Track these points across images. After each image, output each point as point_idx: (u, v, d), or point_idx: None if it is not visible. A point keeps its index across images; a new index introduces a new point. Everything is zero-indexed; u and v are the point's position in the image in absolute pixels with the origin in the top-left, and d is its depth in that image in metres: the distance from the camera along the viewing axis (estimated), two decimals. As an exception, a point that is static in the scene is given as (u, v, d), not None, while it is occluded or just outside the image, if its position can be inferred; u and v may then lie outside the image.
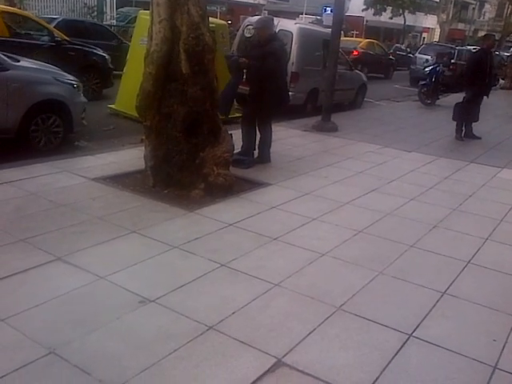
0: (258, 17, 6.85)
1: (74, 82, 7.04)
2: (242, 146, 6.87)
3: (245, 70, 6.52)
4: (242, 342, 3.05)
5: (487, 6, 63.54)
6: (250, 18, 12.38)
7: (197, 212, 4.97)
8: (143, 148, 5.61)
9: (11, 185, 5.21)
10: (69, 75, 7.09)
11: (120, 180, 5.60)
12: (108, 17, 23.29)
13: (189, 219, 4.82)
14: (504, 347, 3.25)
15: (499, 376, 2.98)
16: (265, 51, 6.34)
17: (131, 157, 6.31)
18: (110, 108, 9.53)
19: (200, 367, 2.81)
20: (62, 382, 2.60)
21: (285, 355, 2.97)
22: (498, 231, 5.23)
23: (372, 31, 43.14)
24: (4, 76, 6.08)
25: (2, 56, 6.22)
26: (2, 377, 2.57)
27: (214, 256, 4.07)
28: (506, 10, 46.77)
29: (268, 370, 2.84)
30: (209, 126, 5.46)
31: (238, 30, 12.48)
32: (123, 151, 6.88)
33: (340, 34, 10.14)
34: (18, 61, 6.60)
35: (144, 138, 5.59)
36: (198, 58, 5.23)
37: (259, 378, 2.76)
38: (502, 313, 3.66)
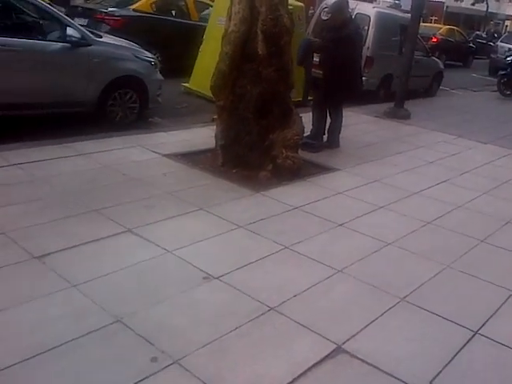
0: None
1: (151, 60, 7.20)
2: (312, 130, 6.82)
3: (316, 54, 6.44)
4: (302, 325, 3.07)
5: None
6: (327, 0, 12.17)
7: (263, 193, 5.00)
8: (214, 127, 5.68)
9: (87, 156, 5.43)
10: (147, 52, 7.25)
11: (191, 157, 5.71)
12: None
13: (255, 200, 4.86)
14: None
15: None
16: (339, 35, 6.23)
17: (202, 135, 6.41)
18: (185, 87, 9.69)
19: (260, 347, 2.85)
20: (126, 349, 2.70)
21: (345, 342, 2.96)
22: None
23: (452, 17, 41.45)
24: (86, 51, 6.30)
25: (86, 31, 6.45)
26: (71, 340, 2.69)
27: (278, 238, 4.10)
28: None
29: (327, 356, 2.84)
30: (280, 108, 5.46)
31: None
32: (195, 129, 7.00)
33: (419, 19, 9.79)
34: (101, 37, 6.82)
35: (216, 117, 5.66)
36: (274, 39, 5.21)
37: (318, 363, 2.77)
38: None
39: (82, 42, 6.24)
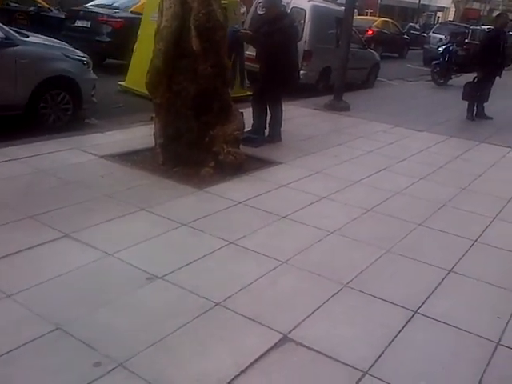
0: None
1: (83, 59, 7.01)
2: (253, 125, 6.85)
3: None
4: (248, 317, 3.08)
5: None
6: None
7: (206, 190, 4.98)
8: (153, 126, 5.61)
9: (20, 162, 5.25)
10: (78, 51, 7.06)
11: (129, 158, 5.61)
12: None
13: (198, 197, 4.83)
14: (508, 324, 3.26)
15: (502, 351, 3.00)
16: (273, 28, 6.28)
17: (141, 134, 6.31)
18: (121, 85, 9.52)
19: (206, 343, 2.84)
20: (68, 357, 2.62)
21: (291, 331, 2.99)
22: (506, 211, 5.22)
23: (386, 10, 42.48)
24: (13, 51, 6.07)
25: (11, 31, 6.21)
26: (9, 352, 2.60)
27: (222, 234, 4.09)
28: (523, -11, 45.71)
29: (274, 346, 2.86)
30: (219, 103, 5.44)
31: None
32: (133, 129, 6.89)
33: (353, 11, 10.03)
34: (27, 36, 6.58)
35: (154, 115, 5.59)
36: (208, 34, 5.18)
37: (265, 354, 2.79)
38: (507, 290, 3.67)
39: (7, 43, 6.01)
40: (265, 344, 2.86)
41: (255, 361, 2.73)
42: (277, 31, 6.22)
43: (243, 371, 2.64)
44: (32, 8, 13.82)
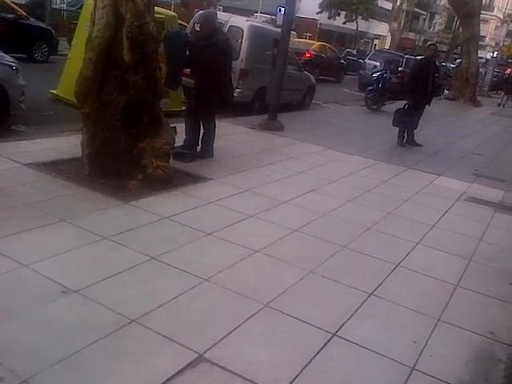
0: (202, 11, 6.88)
1: (12, 64, 6.76)
2: (185, 140, 6.80)
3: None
4: (164, 336, 3.01)
5: (438, 17, 65.68)
6: (200, 11, 12.27)
7: (132, 203, 4.87)
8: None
9: None
10: (7, 56, 6.80)
11: (55, 167, 5.41)
12: (58, 0, 22.58)
13: (123, 210, 4.72)
14: (423, 349, 3.34)
15: (416, 376, 3.07)
16: (207, 43, 6.30)
17: (69, 144, 6.10)
18: (52, 93, 9.23)
19: (118, 360, 2.75)
20: (-32, 373, 2.48)
21: (206, 350, 2.95)
22: (429, 236, 5.39)
23: (325, 34, 43.72)
24: None
25: None
26: None
27: (144, 249, 4.00)
28: (454, 23, 48.32)
29: (188, 365, 2.81)
30: (149, 116, 5.37)
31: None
32: (61, 138, 6.67)
33: (289, 33, 10.17)
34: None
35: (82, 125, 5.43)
36: (141, 46, 5.12)
37: (178, 373, 2.74)
38: (425, 315, 3.77)
39: None
40: (179, 363, 2.81)
41: (167, 380, 2.67)
42: (211, 46, 6.23)
43: (154, 392, 2.57)
44: (11, 16, 13.54)
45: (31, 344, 2.75)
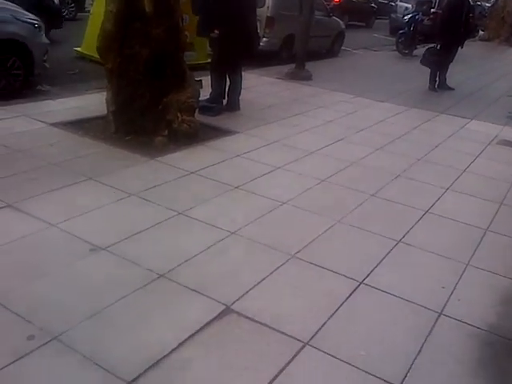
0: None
1: (35, 22, 6.71)
2: (211, 93, 6.72)
3: None
4: (191, 289, 3.04)
5: (473, -47, 62.14)
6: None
7: (158, 159, 4.88)
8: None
9: (-34, 129, 5.04)
10: (29, 14, 6.75)
11: (81, 125, 5.45)
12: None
13: (149, 167, 4.73)
14: (452, 294, 3.31)
15: (444, 321, 3.05)
16: None
17: (95, 102, 6.11)
18: (77, 51, 9.20)
19: (146, 314, 2.80)
20: (1, 332, 2.56)
21: (234, 302, 2.97)
22: (460, 181, 5.28)
23: (355, -23, 41.94)
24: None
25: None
26: None
27: (172, 204, 4.02)
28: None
29: (216, 317, 2.84)
30: (173, 69, 5.30)
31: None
32: (87, 96, 6.68)
33: (316, -22, 9.80)
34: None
35: (106, 82, 5.41)
36: (162, -4, 5.01)
37: (207, 325, 2.77)
38: (454, 260, 3.72)
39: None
40: (206, 316, 2.84)
41: (196, 332, 2.70)
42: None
43: (182, 343, 2.61)
44: None
45: (61, 302, 2.80)
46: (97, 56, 7.52)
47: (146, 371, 2.40)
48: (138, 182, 4.35)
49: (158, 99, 5.23)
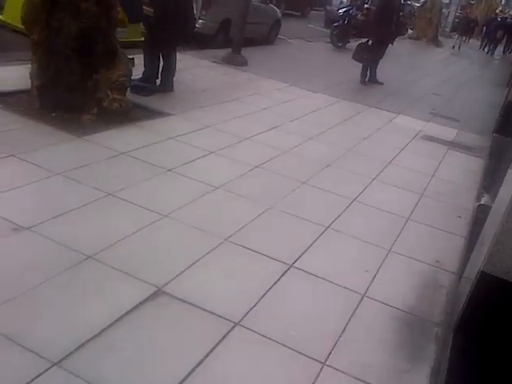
0: None
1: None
2: (144, 72, 6.56)
3: None
4: (122, 271, 2.98)
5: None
6: None
7: (86, 138, 4.70)
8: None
9: None
10: None
11: (2, 99, 5.10)
12: None
13: (77, 145, 4.55)
14: (374, 278, 3.45)
15: (367, 302, 3.18)
16: None
17: (17, 75, 5.74)
18: (-3, 19, 8.65)
19: (74, 296, 2.71)
20: None
21: (165, 284, 2.94)
22: (385, 173, 5.48)
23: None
24: None
25: None
26: None
27: (101, 185, 3.90)
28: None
29: (147, 299, 2.80)
30: (104, 46, 5.10)
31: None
32: (8, 68, 6.26)
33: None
34: None
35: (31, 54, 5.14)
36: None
37: (136, 307, 2.72)
38: (378, 247, 3.87)
39: None
40: (137, 297, 2.79)
41: (126, 313, 2.65)
42: None
43: (112, 324, 2.55)
44: None
45: (-19, 283, 2.67)
46: (20, 26, 7.16)
47: (72, 352, 2.33)
48: (64, 160, 4.17)
49: (88, 76, 5.03)
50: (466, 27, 25.68)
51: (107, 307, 2.68)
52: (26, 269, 2.84)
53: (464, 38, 25.92)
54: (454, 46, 23.75)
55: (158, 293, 2.87)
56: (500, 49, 26.96)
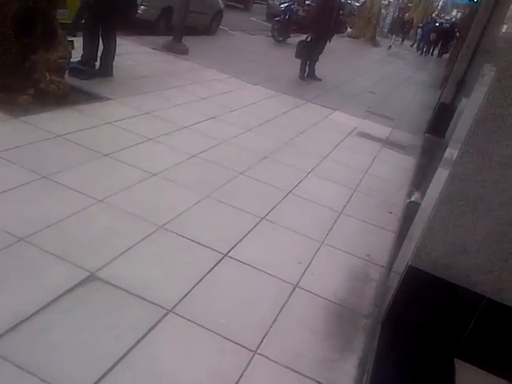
0: None
1: None
2: (83, 55, 6.43)
3: None
4: (54, 255, 2.96)
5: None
6: None
7: (22, 119, 4.59)
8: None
9: None
10: None
11: None
12: None
13: (11, 126, 4.43)
14: (307, 269, 3.58)
15: (299, 293, 3.30)
16: None
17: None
18: None
19: (3, 278, 2.68)
20: None
21: (98, 269, 2.95)
22: (320, 167, 5.65)
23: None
24: None
25: None
26: None
27: (35, 167, 3.83)
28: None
29: (79, 284, 2.80)
30: (44, 26, 4.97)
31: None
32: None
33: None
34: None
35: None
36: None
37: (68, 291, 2.72)
38: (311, 239, 4.01)
39: None
40: (69, 282, 2.79)
41: (57, 298, 2.65)
42: None
43: (43, 307, 2.55)
44: None
45: None
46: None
47: (2, 335, 2.31)
48: (-3, 140, 4.06)
49: (25, 56, 4.89)
50: (400, 28, 26.52)
51: (38, 291, 2.66)
52: (-46, 250, 2.77)
53: (397, 38, 26.77)
54: (390, 47, 24.48)
55: (90, 278, 2.88)
56: (436, 52, 28.09)
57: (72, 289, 2.75)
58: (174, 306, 2.84)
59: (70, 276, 2.84)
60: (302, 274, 3.50)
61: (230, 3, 20.22)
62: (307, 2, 18.31)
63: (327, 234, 4.15)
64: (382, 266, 3.89)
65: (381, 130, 8.03)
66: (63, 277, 2.82)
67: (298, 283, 3.39)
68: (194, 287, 3.05)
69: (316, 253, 3.83)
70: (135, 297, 2.83)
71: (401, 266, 3.06)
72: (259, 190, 4.64)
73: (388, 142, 7.45)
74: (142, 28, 9.83)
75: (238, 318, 2.92)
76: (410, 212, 4.67)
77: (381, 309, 3.16)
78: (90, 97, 5.72)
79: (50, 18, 5.06)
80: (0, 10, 4.73)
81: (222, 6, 14.05)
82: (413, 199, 5.12)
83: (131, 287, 2.88)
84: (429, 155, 6.92)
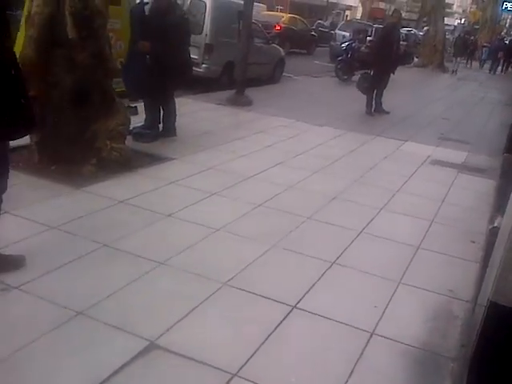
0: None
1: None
2: (146, 119, 6.58)
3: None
4: (113, 326, 2.85)
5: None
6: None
7: (84, 189, 4.65)
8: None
9: None
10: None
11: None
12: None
13: (74, 197, 4.50)
14: (383, 313, 3.26)
15: (376, 340, 2.99)
16: (166, 24, 5.99)
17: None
18: None
19: (62, 356, 2.58)
20: None
21: (159, 337, 2.80)
22: (393, 201, 5.32)
23: (296, 7, 43.11)
24: None
25: None
26: None
27: (96, 236, 3.81)
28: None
29: (138, 354, 2.66)
30: (100, 96, 5.11)
31: None
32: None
33: (252, 4, 9.83)
34: None
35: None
36: (86, 22, 4.84)
37: (127, 364, 2.58)
38: (387, 279, 3.69)
39: None
40: (129, 353, 2.65)
41: (117, 370, 2.52)
42: (169, 27, 5.93)
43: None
44: None
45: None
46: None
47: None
48: (59, 213, 4.09)
49: (85, 127, 5.03)
50: (463, 49, 25.49)
51: (96, 366, 2.54)
52: (13, 329, 2.73)
53: (463, 60, 25.83)
54: (453, 71, 23.13)
55: (150, 347, 2.73)
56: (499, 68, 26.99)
57: (131, 360, 2.60)
58: (240, 369, 2.63)
59: (129, 347, 2.70)
60: (379, 320, 3.19)
61: (292, 50, 20.55)
62: (369, 38, 18.29)
63: (404, 272, 3.81)
64: (467, 301, 3.50)
65: (456, 155, 7.59)
66: (122, 348, 2.68)
67: (374, 330, 3.08)
68: (261, 345, 2.82)
69: (393, 294, 3.50)
70: (197, 363, 2.64)
71: (484, 300, 2.67)
72: (328, 233, 4.38)
73: (464, 167, 7.01)
74: (206, 85, 10.05)
75: (309, 375, 2.66)
76: (493, 238, 4.20)
77: (467, 350, 2.77)
78: (154, 159, 5.78)
79: (107, 88, 5.20)
80: (57, 86, 4.91)
81: (283, 53, 14.21)
82: (496, 224, 4.64)
83: (192, 353, 2.70)
84: (509, 176, 6.35)
